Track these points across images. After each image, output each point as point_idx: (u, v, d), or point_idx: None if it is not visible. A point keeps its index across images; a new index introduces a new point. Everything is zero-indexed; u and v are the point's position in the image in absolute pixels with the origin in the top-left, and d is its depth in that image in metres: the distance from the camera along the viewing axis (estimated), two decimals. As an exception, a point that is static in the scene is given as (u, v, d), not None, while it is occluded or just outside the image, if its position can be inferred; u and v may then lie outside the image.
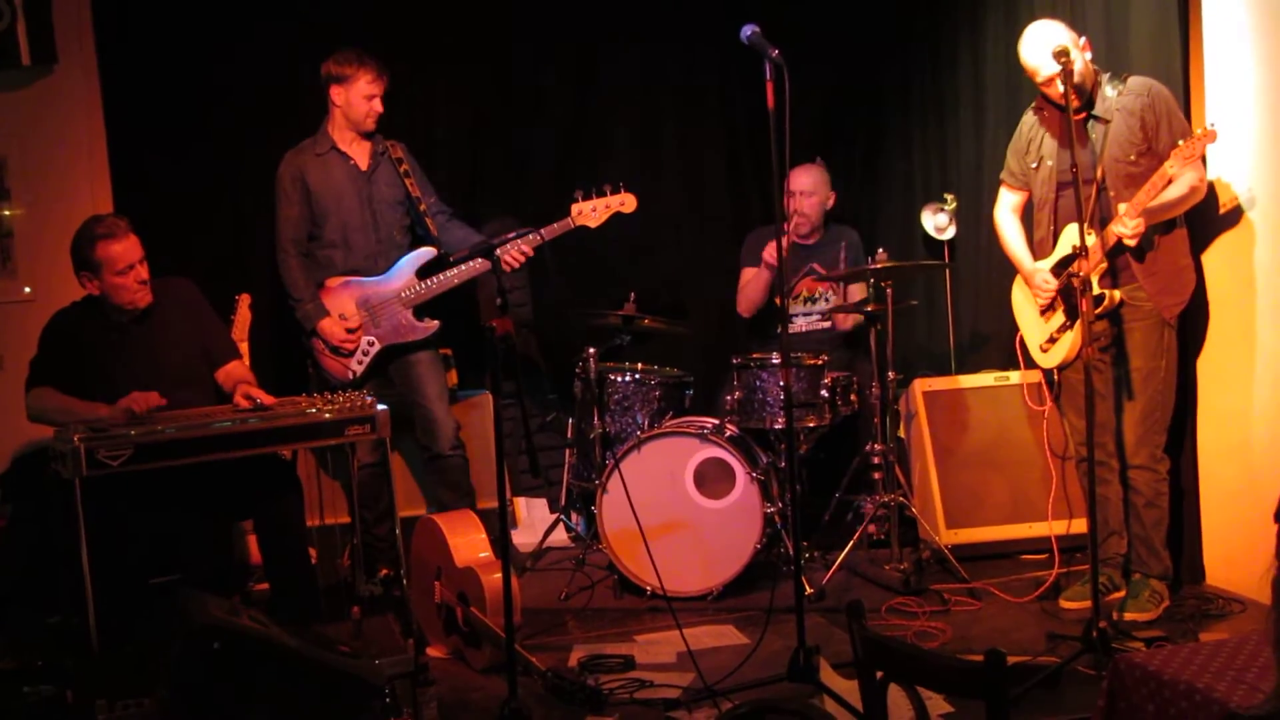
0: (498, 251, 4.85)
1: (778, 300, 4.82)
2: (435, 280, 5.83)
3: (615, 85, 7.27)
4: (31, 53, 6.05)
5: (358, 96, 5.80)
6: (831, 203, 6.80)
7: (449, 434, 5.97)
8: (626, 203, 5.86)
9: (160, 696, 4.27)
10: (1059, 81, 4.77)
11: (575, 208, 5.79)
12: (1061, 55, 4.76)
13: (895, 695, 2.94)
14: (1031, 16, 5.26)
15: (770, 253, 6.50)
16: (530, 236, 5.66)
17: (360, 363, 5.88)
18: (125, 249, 5.09)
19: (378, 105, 5.83)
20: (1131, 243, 4.87)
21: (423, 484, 6.39)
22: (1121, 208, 4.85)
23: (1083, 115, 5.04)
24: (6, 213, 6.25)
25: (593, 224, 5.83)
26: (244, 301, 5.96)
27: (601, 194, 5.82)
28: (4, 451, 6.07)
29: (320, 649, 4.18)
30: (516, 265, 5.83)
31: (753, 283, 6.76)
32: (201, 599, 4.17)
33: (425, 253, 5.89)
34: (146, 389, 4.95)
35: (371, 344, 5.88)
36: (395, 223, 5.97)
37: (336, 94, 5.82)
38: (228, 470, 4.99)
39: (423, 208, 5.91)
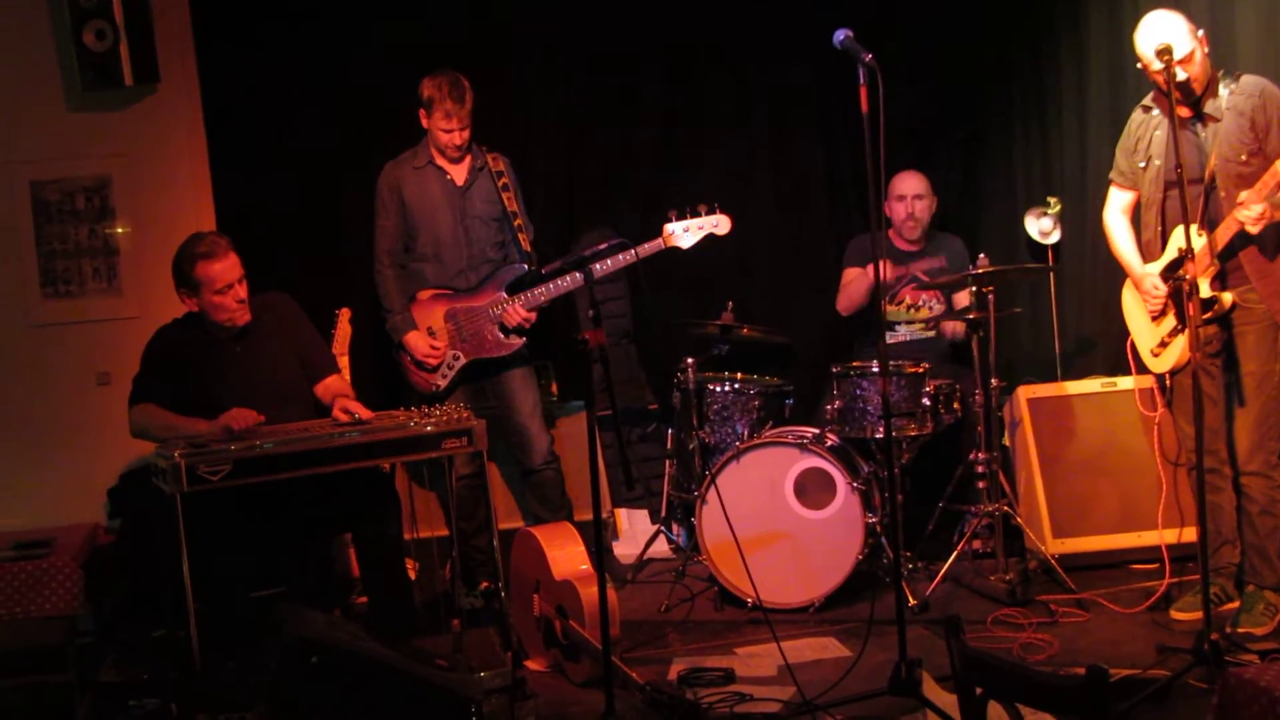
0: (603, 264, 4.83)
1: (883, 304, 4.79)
2: (524, 297, 5.82)
3: (710, 92, 7.22)
4: (134, 73, 6.12)
5: (435, 126, 5.83)
6: (936, 208, 6.72)
7: (542, 449, 5.98)
8: (720, 224, 5.79)
9: (260, 710, 4.31)
10: (1177, 70, 4.67)
11: (668, 228, 5.74)
12: (1164, 54, 4.66)
13: (1000, 711, 2.87)
14: (1136, 12, 5.15)
15: (886, 273, 6.44)
16: (625, 255, 5.62)
17: (445, 376, 5.90)
18: (225, 268, 5.14)
19: (455, 138, 5.83)
20: (1254, 230, 4.72)
21: (519, 497, 6.39)
22: (1242, 195, 4.71)
23: (1192, 113, 4.93)
24: (116, 230, 6.35)
25: (685, 246, 5.77)
26: (344, 316, 6.00)
27: (696, 214, 5.75)
28: (114, 467, 6.18)
29: (417, 662, 4.19)
30: (511, 325, 5.83)
31: (856, 282, 6.70)
32: (301, 613, 4.20)
33: (515, 268, 5.89)
34: (246, 405, 4.99)
35: (457, 358, 5.89)
36: (488, 239, 5.97)
37: (423, 118, 5.86)
38: (327, 484, 5.02)
39: (518, 223, 5.91)
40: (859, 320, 6.80)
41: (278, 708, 4.04)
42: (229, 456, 4.69)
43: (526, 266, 5.86)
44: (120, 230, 6.36)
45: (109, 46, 6.06)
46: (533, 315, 5.84)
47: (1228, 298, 4.93)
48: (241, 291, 5.18)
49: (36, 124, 6.25)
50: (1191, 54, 4.79)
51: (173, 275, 5.18)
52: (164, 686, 4.85)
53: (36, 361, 6.27)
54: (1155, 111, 5.15)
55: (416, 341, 5.89)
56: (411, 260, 5.97)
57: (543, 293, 5.80)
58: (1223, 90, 4.91)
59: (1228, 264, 4.94)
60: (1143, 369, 5.35)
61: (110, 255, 6.34)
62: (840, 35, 4.49)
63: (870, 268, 6.54)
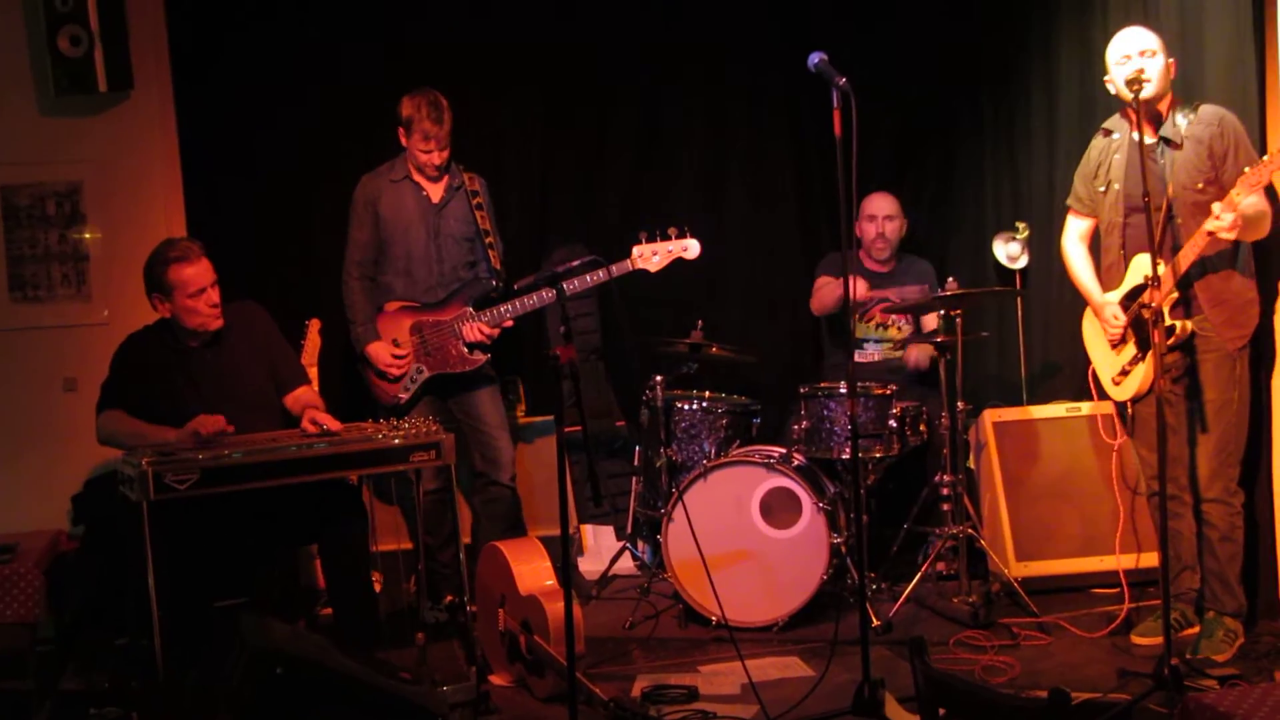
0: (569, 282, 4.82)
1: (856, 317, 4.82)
2: (488, 314, 5.83)
3: (684, 110, 7.27)
4: (108, 79, 6.11)
5: (414, 147, 5.85)
6: (905, 230, 6.77)
7: (509, 463, 6.00)
8: (689, 249, 5.76)
9: (223, 720, 4.30)
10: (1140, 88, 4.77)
11: (636, 250, 5.74)
12: (1134, 83, 4.74)
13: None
14: (1106, 40, 5.21)
15: (856, 292, 6.50)
16: (593, 275, 5.64)
17: (407, 389, 5.90)
18: (197, 272, 5.15)
19: (434, 158, 5.84)
20: (1228, 236, 4.75)
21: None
22: (1215, 207, 4.74)
23: (1156, 138, 5.00)
24: (86, 236, 6.33)
25: (652, 269, 5.75)
26: (314, 326, 6.01)
27: (666, 237, 5.75)
28: (78, 473, 6.14)
29: (381, 675, 4.19)
30: (471, 340, 5.83)
31: (829, 287, 6.75)
32: (265, 623, 4.20)
33: (484, 284, 5.90)
34: (215, 413, 4.99)
35: (420, 372, 5.90)
36: (460, 258, 5.97)
37: (402, 136, 5.88)
38: (294, 495, 5.02)
39: (489, 240, 5.92)
40: (828, 335, 6.83)
41: (241, 718, 4.03)
42: (196, 465, 4.68)
43: (495, 283, 5.87)
44: (90, 236, 6.33)
45: (84, 52, 6.05)
46: (495, 332, 5.84)
47: (1189, 325, 4.98)
48: (214, 296, 5.18)
49: (9, 128, 6.23)
50: (1157, 52, 4.90)
51: (145, 280, 5.18)
52: (126, 695, 4.82)
53: (2, 366, 6.24)
54: (1116, 135, 5.21)
55: (379, 352, 5.89)
56: (382, 274, 5.97)
57: (508, 309, 5.80)
58: (1180, 119, 4.98)
59: (1186, 292, 5.00)
60: (1104, 396, 5.39)
61: (80, 261, 6.32)
62: (814, 58, 4.52)
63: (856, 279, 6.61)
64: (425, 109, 5.77)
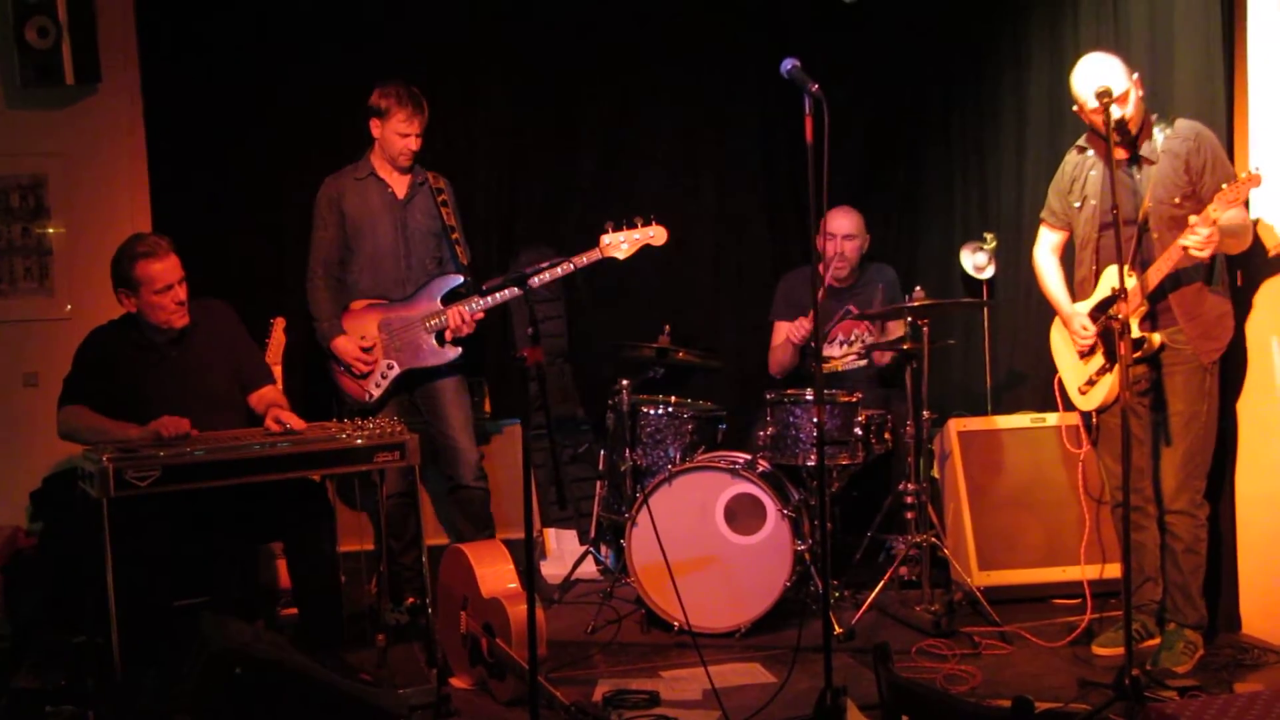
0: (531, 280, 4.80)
1: (812, 343, 4.80)
2: (466, 304, 5.81)
3: (653, 118, 7.24)
4: (76, 72, 6.08)
5: (392, 133, 5.84)
6: (866, 247, 6.74)
7: (472, 464, 5.97)
8: (656, 235, 5.80)
9: (181, 720, 4.26)
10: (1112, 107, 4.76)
11: (604, 238, 5.76)
12: (1103, 96, 4.74)
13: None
14: (1077, 53, 5.23)
15: (797, 335, 6.48)
16: (563, 265, 5.63)
17: (378, 385, 5.88)
18: (165, 269, 5.10)
19: (412, 143, 5.86)
20: (1199, 254, 4.74)
21: (442, 514, 6.37)
22: (1192, 219, 4.75)
23: (1128, 155, 5.01)
24: (49, 230, 6.28)
25: (620, 256, 5.78)
26: (279, 325, 5.97)
27: (632, 225, 5.77)
28: (37, 469, 6.10)
29: (341, 676, 4.17)
30: (456, 328, 5.82)
31: (782, 348, 6.71)
32: (225, 623, 4.17)
33: (451, 279, 5.89)
34: (179, 411, 4.96)
35: (391, 367, 5.88)
36: (428, 253, 5.97)
37: (375, 126, 5.88)
38: (258, 493, 4.98)
39: (455, 237, 5.91)
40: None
41: (199, 718, 4.01)
42: (158, 462, 4.64)
43: (462, 278, 5.86)
44: (54, 230, 6.29)
45: (51, 44, 6.02)
46: (472, 323, 5.83)
47: (1156, 338, 5.00)
48: (181, 293, 5.14)
49: (-28, 120, 6.18)
50: (1126, 93, 4.87)
51: (111, 274, 5.13)
52: (82, 694, 4.79)
53: (-39, 360, 6.20)
54: (1090, 152, 5.23)
55: (345, 345, 5.88)
56: (348, 272, 5.96)
57: (479, 304, 5.79)
58: (1158, 134, 5.00)
59: (1157, 305, 5.01)
60: (1070, 406, 5.41)
61: (43, 255, 6.28)
62: (787, 65, 4.50)
63: (796, 323, 6.59)
64: (405, 95, 5.80)
